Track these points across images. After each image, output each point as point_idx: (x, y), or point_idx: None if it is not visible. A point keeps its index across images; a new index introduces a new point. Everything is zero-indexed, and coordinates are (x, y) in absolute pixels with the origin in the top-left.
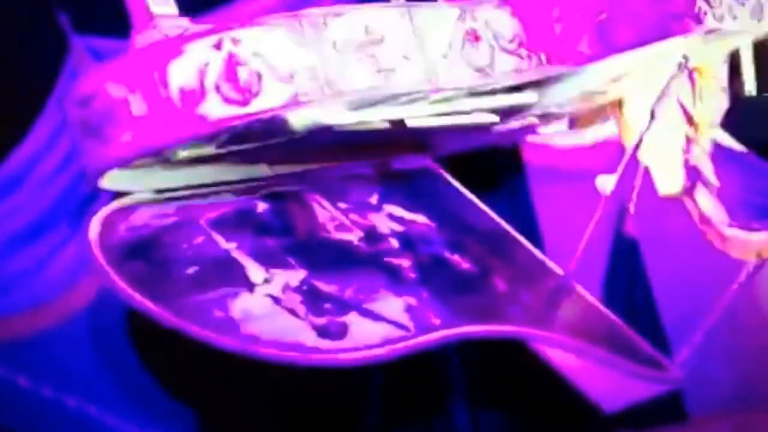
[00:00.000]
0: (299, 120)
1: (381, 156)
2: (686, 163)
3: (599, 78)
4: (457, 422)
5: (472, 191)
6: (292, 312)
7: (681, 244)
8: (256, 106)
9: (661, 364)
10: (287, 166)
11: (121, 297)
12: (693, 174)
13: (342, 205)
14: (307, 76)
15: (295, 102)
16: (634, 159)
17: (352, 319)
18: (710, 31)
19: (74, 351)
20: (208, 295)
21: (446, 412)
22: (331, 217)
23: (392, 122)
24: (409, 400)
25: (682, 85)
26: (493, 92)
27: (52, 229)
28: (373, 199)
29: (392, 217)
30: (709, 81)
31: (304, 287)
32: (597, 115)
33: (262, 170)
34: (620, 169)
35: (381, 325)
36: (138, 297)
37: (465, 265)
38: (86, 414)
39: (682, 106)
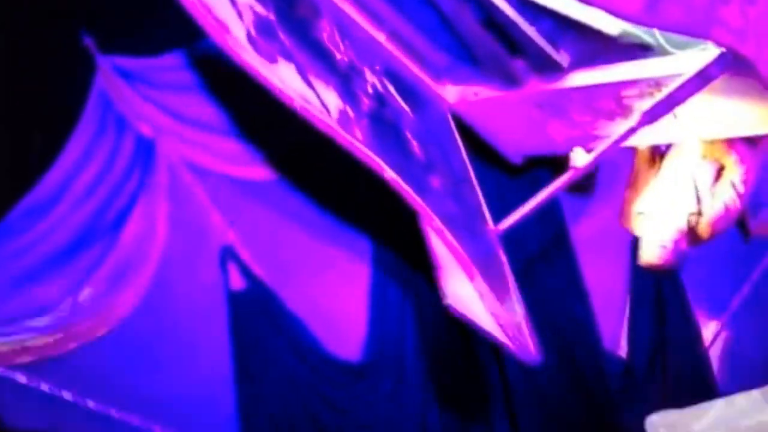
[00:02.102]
0: None
1: None
2: (677, 244)
3: None
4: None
5: None
6: None
7: None
8: None
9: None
10: None
11: None
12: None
13: (345, 41)
14: None
15: None
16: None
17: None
18: None
19: (116, 363)
20: None
21: (487, 421)
22: (330, 35)
23: None
24: (450, 409)
25: (705, 172)
26: None
27: (90, 246)
28: (377, 63)
29: (382, 84)
30: (727, 186)
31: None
32: None
33: None
34: (597, 149)
35: (308, 90)
36: None
37: (416, 149)
38: (129, 424)
39: (697, 191)
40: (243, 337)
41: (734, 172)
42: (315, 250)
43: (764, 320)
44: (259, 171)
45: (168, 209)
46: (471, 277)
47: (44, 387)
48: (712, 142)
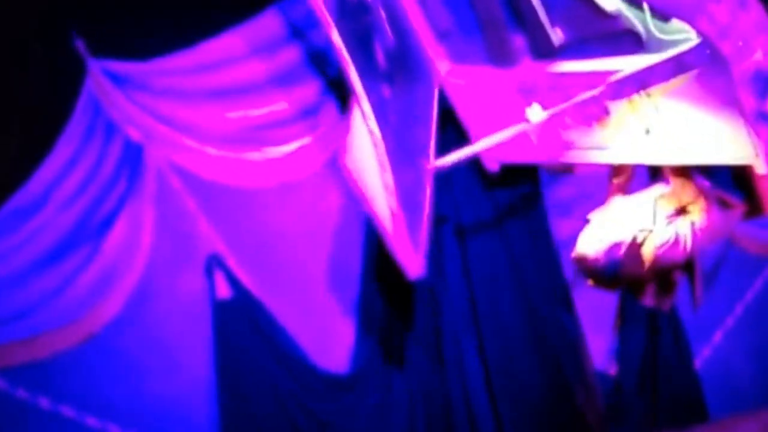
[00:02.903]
0: None
1: None
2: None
3: None
4: None
5: None
6: None
7: None
8: None
9: None
10: None
11: None
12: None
13: None
14: None
15: None
16: None
17: None
18: None
19: (96, 371)
20: None
21: None
22: None
23: None
24: (438, 425)
25: (668, 203)
26: None
27: (74, 250)
28: None
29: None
30: (686, 223)
31: None
32: None
33: None
34: (554, 109)
35: None
36: None
37: (380, 59)
38: None
39: (655, 213)
40: (227, 347)
41: (697, 218)
42: (303, 261)
43: (757, 342)
44: (249, 179)
45: (155, 215)
46: (383, 168)
47: (21, 393)
48: (684, 184)
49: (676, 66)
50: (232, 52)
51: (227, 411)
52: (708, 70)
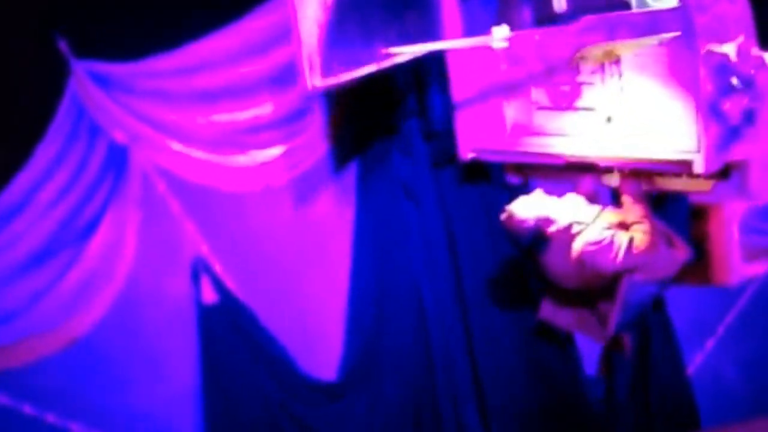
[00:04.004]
0: None
1: None
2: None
3: None
4: None
5: None
6: None
7: None
8: None
9: None
10: None
11: None
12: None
13: None
14: None
15: None
16: None
17: None
18: None
19: (81, 376)
20: None
21: None
22: None
23: None
24: None
25: (613, 216)
26: None
27: (57, 254)
28: None
29: None
30: (624, 235)
31: None
32: None
33: None
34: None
35: None
36: None
37: None
38: None
39: (598, 216)
40: (213, 353)
41: (637, 238)
42: (291, 265)
43: (749, 350)
44: (235, 182)
45: (139, 218)
46: None
47: (3, 399)
48: (634, 207)
49: (649, 22)
50: (218, 54)
51: (213, 416)
52: (678, 44)
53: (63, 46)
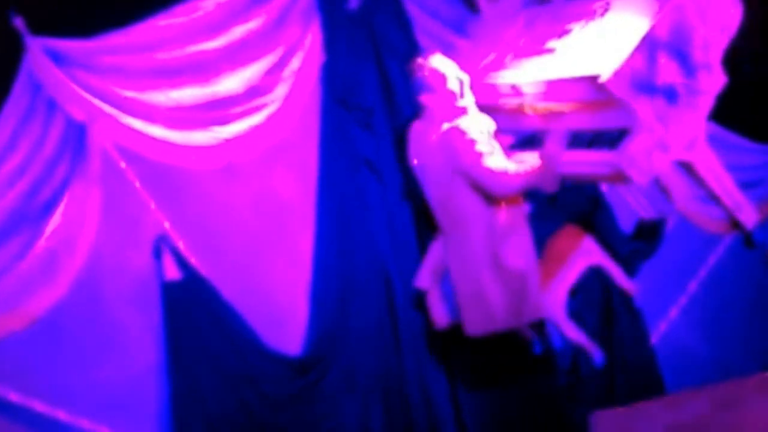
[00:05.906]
0: None
1: None
2: None
3: None
4: None
5: None
6: None
7: None
8: None
9: None
10: None
11: None
12: None
13: None
14: None
15: None
16: None
17: None
18: None
19: (43, 355)
20: None
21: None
22: None
23: None
24: (393, 407)
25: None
26: None
27: (15, 234)
28: None
29: None
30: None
31: None
32: None
33: None
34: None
35: None
36: None
37: None
38: (55, 418)
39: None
40: (177, 330)
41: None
42: (254, 241)
43: (711, 318)
44: (197, 160)
45: (101, 196)
46: None
47: None
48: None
49: None
50: (176, 30)
51: (178, 394)
52: None
53: (18, 22)
